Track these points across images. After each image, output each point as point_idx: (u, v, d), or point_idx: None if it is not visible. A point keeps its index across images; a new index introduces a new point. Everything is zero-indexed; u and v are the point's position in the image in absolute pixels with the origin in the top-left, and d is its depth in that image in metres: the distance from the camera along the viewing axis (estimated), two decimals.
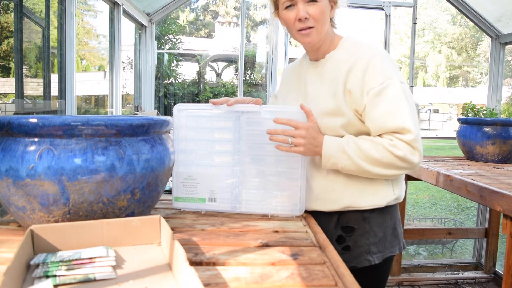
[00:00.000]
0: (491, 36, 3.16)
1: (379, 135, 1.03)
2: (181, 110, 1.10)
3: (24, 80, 2.21)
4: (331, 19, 1.13)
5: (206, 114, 1.09)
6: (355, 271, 0.72)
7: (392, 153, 0.98)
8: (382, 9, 2.93)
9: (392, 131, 1.00)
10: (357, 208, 1.09)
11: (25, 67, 2.24)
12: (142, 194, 0.85)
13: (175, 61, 11.98)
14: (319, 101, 1.10)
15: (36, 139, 0.76)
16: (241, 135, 1.08)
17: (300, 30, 1.07)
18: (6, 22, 2.38)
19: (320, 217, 1.10)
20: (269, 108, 1.07)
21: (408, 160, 0.99)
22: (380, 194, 1.09)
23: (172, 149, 0.95)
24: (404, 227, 2.74)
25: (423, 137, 1.06)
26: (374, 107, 1.01)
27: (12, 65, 2.40)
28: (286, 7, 1.07)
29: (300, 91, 1.18)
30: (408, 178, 2.36)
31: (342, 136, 1.05)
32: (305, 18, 1.05)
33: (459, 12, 3.11)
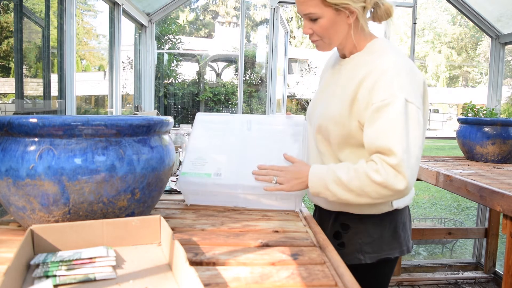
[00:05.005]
0: (491, 36, 3.16)
1: (370, 155, 0.99)
2: (201, 120, 1.24)
3: (24, 80, 2.21)
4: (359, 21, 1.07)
5: (221, 120, 1.23)
6: (351, 269, 0.72)
7: (371, 179, 0.93)
8: None
9: (377, 151, 0.96)
10: (352, 212, 1.12)
11: (25, 67, 2.24)
12: (142, 194, 0.85)
13: (175, 61, 11.98)
14: (328, 102, 1.10)
15: (36, 139, 0.76)
16: (246, 138, 1.19)
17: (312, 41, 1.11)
18: (6, 22, 2.38)
19: (322, 211, 1.20)
20: (258, 118, 1.21)
21: (390, 186, 0.92)
22: (377, 206, 1.10)
23: (172, 149, 0.95)
24: None
25: None
26: (370, 123, 0.98)
27: (12, 65, 2.40)
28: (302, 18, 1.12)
29: (321, 85, 1.21)
30: None
31: (343, 144, 1.07)
32: (310, 34, 1.07)
33: (459, 12, 3.11)
